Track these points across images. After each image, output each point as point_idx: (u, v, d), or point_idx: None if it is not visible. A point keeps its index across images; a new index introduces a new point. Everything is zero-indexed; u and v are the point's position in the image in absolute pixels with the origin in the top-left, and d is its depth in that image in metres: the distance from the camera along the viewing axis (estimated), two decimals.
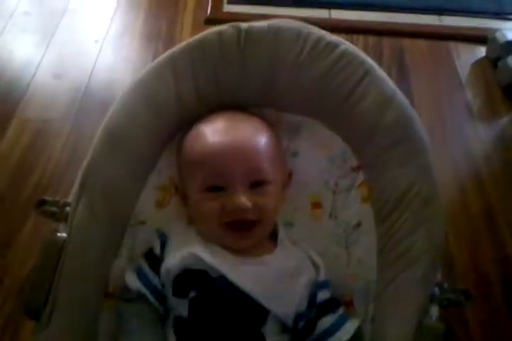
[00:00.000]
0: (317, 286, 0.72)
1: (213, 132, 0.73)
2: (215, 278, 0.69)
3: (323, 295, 0.71)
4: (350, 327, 0.70)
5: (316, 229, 0.81)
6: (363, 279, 0.74)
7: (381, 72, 0.77)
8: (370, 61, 0.78)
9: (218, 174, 0.70)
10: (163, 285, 0.71)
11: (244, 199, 0.68)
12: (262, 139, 0.74)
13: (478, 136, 1.38)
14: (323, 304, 0.71)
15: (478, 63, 1.58)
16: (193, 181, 0.73)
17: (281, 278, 0.70)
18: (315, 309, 0.70)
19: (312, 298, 0.71)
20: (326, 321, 0.69)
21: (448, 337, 0.97)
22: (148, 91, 0.77)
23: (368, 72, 0.76)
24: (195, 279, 0.69)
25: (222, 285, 0.68)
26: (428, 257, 0.67)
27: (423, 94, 1.46)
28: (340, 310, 0.72)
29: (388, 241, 0.71)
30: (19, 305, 0.99)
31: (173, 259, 0.71)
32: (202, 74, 0.79)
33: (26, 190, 1.16)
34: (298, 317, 0.69)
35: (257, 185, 0.71)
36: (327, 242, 0.80)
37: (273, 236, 0.77)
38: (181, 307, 0.68)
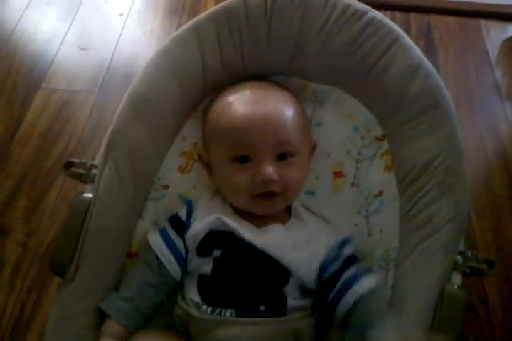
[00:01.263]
0: (341, 243, 0.72)
1: (241, 103, 0.72)
2: (239, 239, 0.70)
3: (347, 251, 0.72)
4: (372, 279, 0.68)
5: (337, 198, 0.81)
6: (384, 247, 0.73)
7: (409, 41, 0.76)
8: (399, 30, 0.76)
9: (246, 144, 0.70)
10: (186, 250, 0.72)
11: (271, 170, 0.68)
12: (290, 111, 0.73)
13: (506, 116, 1.35)
14: (348, 258, 0.71)
15: (509, 41, 1.53)
16: (220, 151, 0.73)
17: (297, 244, 0.71)
18: (340, 262, 0.70)
19: (337, 253, 0.71)
20: (349, 273, 0.69)
21: (468, 313, 0.97)
22: (173, 58, 0.77)
23: (395, 40, 0.75)
24: (220, 239, 0.71)
25: (246, 245, 0.69)
26: (453, 225, 0.66)
27: (450, 72, 1.43)
28: (362, 265, 0.72)
29: (412, 208, 0.70)
30: (44, 268, 1.02)
31: (200, 225, 0.72)
32: (227, 42, 0.78)
33: (51, 158, 1.18)
34: (322, 269, 0.69)
35: (283, 156, 0.71)
36: (348, 211, 0.80)
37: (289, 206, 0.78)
38: (205, 266, 0.70)
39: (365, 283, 0.67)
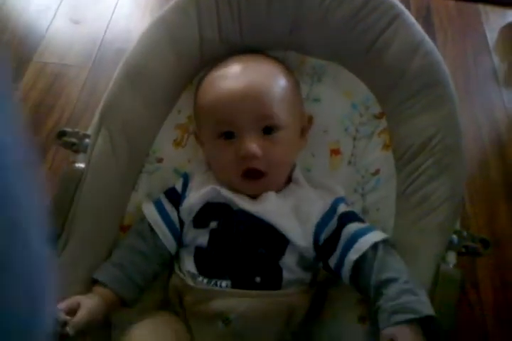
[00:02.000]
0: (335, 201, 0.71)
1: (224, 78, 0.71)
2: (235, 211, 0.69)
3: (343, 208, 0.70)
4: (380, 233, 0.66)
5: (333, 176, 0.80)
6: (379, 226, 0.72)
7: (410, 17, 0.75)
8: (400, 5, 0.75)
9: (228, 120, 0.69)
10: (180, 222, 0.72)
11: (254, 146, 0.67)
12: (275, 84, 0.72)
13: (503, 102, 1.34)
14: (345, 214, 0.69)
15: (508, 28, 1.52)
16: (206, 128, 0.73)
17: (291, 209, 0.70)
18: (336, 219, 0.69)
19: (331, 213, 0.69)
20: (352, 227, 0.67)
21: (460, 296, 0.97)
22: (170, 27, 0.75)
23: (397, 16, 0.74)
24: (216, 211, 0.70)
25: (242, 217, 0.69)
26: (449, 204, 0.66)
27: (448, 55, 1.41)
28: (367, 224, 0.69)
29: (409, 186, 0.69)
30: None
31: (196, 196, 0.71)
32: (226, 13, 0.77)
33: (42, 132, 1.16)
34: (317, 232, 0.68)
35: (269, 131, 0.69)
36: (344, 189, 0.77)
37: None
38: (202, 238, 0.69)
39: (370, 237, 0.65)
